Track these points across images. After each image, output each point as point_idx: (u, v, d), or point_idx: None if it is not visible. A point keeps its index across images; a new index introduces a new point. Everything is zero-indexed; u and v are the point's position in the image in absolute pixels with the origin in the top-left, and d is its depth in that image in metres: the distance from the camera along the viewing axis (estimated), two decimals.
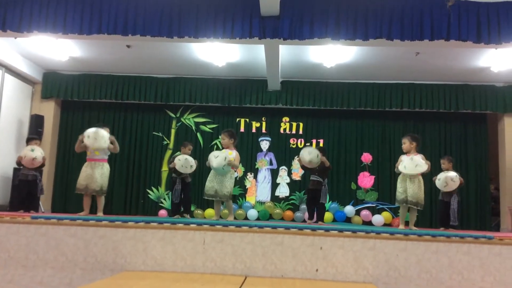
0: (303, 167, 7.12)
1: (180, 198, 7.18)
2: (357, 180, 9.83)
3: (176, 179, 7.16)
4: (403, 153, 6.28)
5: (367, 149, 9.94)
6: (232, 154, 6.05)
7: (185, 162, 6.85)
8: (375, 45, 7.06)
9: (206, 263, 4.47)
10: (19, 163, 7.14)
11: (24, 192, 7.13)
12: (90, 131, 6.15)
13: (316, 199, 6.85)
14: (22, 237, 4.63)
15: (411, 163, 5.93)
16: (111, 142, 6.33)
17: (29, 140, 7.38)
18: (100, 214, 6.32)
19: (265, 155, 10.10)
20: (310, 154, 6.68)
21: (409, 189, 5.92)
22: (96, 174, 6.17)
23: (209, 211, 9.36)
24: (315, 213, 6.96)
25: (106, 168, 6.36)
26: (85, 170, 6.24)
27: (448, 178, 6.69)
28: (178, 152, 7.37)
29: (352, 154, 9.97)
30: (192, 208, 9.04)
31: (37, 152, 7.01)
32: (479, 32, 6.47)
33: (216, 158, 5.94)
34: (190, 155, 7.17)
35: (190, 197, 7.53)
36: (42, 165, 7.26)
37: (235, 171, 6.35)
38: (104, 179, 6.29)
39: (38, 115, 9.37)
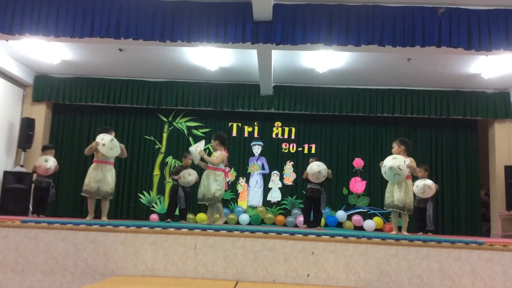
0: (306, 180, 7.25)
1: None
2: (348, 185, 9.86)
3: (177, 187, 7.73)
4: None
5: (359, 154, 9.98)
6: (215, 155, 6.22)
7: (188, 182, 7.60)
8: (367, 51, 7.10)
9: (198, 267, 4.45)
10: (34, 171, 7.69)
11: (37, 198, 7.66)
12: (107, 139, 6.09)
13: (315, 206, 7.07)
14: (11, 241, 4.59)
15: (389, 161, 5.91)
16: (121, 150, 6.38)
17: (44, 149, 7.83)
18: (104, 218, 6.23)
19: (257, 160, 10.10)
20: (319, 166, 7.16)
21: (396, 193, 5.91)
22: (108, 177, 6.18)
23: (201, 216, 9.35)
24: (313, 219, 7.18)
25: (114, 171, 6.39)
26: (96, 173, 6.16)
27: (426, 186, 6.99)
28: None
29: (344, 159, 10.00)
30: None
31: (50, 162, 7.47)
32: (470, 39, 6.54)
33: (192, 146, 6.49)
34: (191, 165, 7.86)
35: (187, 206, 8.09)
36: (55, 172, 7.74)
37: (220, 173, 6.20)
38: (114, 182, 6.35)
39: (29, 118, 9.32)
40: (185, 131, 10.18)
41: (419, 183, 7.06)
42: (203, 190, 6.10)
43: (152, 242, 4.53)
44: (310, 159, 7.64)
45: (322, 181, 7.32)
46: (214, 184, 6.06)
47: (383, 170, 5.94)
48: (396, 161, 5.76)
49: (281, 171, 10.05)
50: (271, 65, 8.10)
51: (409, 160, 5.91)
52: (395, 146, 6.16)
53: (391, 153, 6.33)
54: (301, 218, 8.95)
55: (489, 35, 6.53)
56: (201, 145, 6.42)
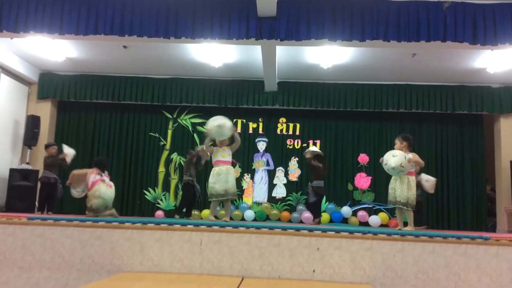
0: (312, 167, 7.40)
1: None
2: (353, 181, 9.84)
3: (193, 182, 7.64)
4: None
5: (364, 150, 9.95)
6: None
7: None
8: (371, 46, 7.07)
9: (203, 264, 4.46)
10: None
11: (45, 194, 7.79)
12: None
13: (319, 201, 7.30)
14: (18, 238, 4.62)
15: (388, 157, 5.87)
16: None
17: (46, 147, 8.01)
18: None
19: (262, 156, 10.10)
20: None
21: (398, 189, 5.89)
22: None
23: (206, 212, 9.36)
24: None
25: None
26: None
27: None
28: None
29: (348, 155, 9.98)
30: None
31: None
32: (475, 33, 6.50)
33: None
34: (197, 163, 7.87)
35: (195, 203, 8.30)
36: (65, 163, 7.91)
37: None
38: None
39: (34, 116, 9.34)
40: (190, 128, 10.19)
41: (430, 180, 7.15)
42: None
43: (158, 238, 4.55)
44: (304, 152, 7.82)
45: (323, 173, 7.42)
46: (210, 179, 6.24)
47: (385, 167, 5.91)
48: (397, 159, 5.71)
49: (286, 167, 10.04)
50: (275, 61, 8.08)
51: (411, 155, 5.88)
52: (398, 143, 6.13)
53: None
54: (306, 214, 8.96)
55: (494, 29, 6.49)
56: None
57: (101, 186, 6.29)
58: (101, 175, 6.40)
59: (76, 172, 6.69)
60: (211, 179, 6.18)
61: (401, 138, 6.15)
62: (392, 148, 6.13)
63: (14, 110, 9.27)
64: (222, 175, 6.14)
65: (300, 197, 9.77)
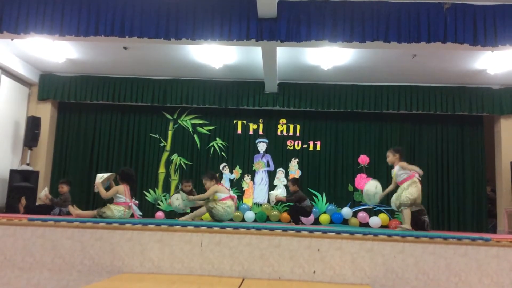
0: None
1: None
2: (354, 182, 9.83)
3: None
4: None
5: (364, 151, 9.94)
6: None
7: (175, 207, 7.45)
8: (372, 47, 7.07)
9: (204, 265, 4.46)
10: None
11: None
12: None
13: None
14: (18, 239, 4.62)
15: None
16: None
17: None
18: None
19: (262, 157, 10.10)
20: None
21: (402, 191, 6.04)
22: None
23: (206, 214, 9.35)
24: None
25: None
26: None
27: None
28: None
29: (349, 156, 9.98)
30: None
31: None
32: (476, 34, 6.51)
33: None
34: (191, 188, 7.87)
35: None
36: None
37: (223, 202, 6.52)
38: None
39: (34, 117, 9.35)
40: (190, 129, 10.19)
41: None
42: None
43: (158, 239, 4.54)
44: (288, 182, 8.27)
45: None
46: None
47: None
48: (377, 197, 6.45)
49: (286, 168, 10.04)
50: (275, 62, 8.09)
51: (405, 164, 6.09)
52: (390, 155, 6.33)
53: None
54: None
55: (495, 30, 6.50)
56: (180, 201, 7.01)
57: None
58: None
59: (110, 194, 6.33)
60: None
61: (393, 150, 6.32)
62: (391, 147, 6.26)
63: (14, 111, 9.28)
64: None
65: None
